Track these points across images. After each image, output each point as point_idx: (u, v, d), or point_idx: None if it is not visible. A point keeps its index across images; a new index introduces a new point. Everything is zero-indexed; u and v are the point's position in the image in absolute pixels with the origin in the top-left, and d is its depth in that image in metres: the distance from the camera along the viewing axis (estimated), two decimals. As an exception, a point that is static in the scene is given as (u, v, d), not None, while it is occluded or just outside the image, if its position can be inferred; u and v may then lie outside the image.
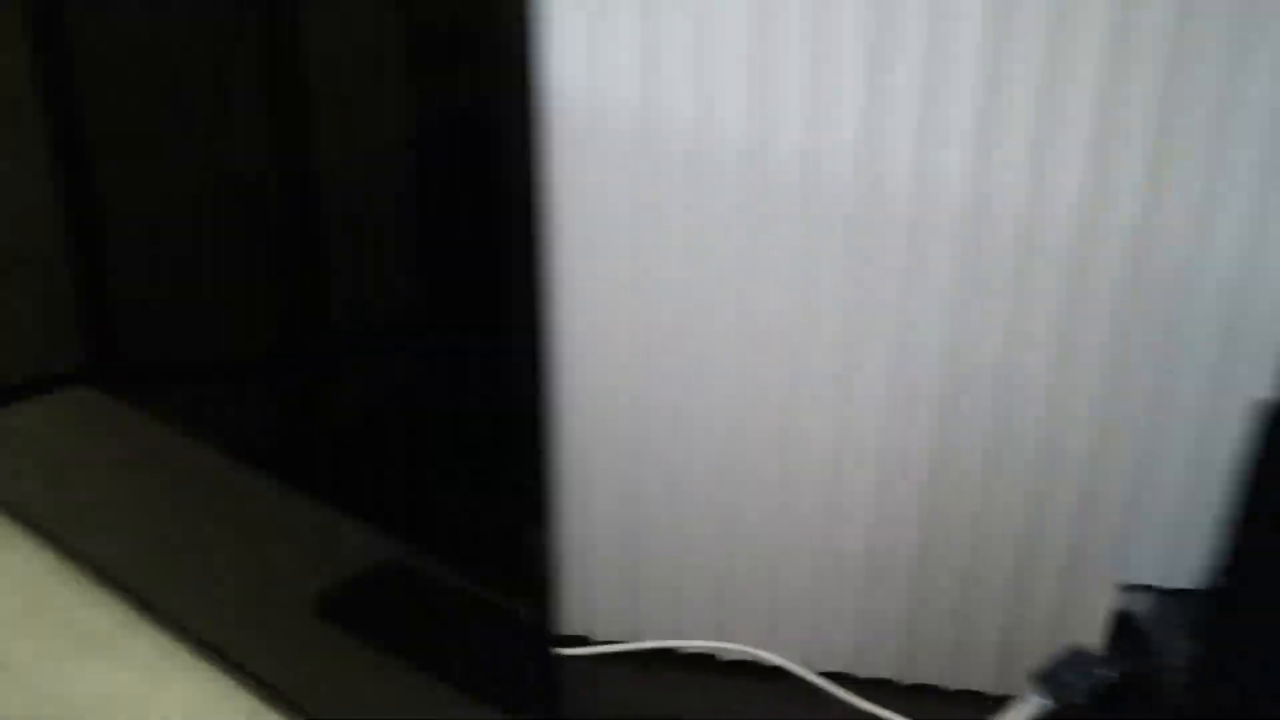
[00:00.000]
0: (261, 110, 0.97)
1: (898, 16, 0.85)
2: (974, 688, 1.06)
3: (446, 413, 0.86)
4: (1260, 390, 0.77)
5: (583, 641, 1.05)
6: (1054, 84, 0.84)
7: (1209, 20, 0.80)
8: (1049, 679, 0.84)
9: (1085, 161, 0.86)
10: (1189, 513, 1.00)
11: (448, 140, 0.77)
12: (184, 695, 0.98)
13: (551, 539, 0.95)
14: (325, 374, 1.01)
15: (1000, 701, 0.88)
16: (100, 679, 1.00)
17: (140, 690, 0.99)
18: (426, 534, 0.91)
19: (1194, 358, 0.95)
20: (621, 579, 1.09)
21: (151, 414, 1.18)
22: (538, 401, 0.83)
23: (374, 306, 0.90)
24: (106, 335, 1.27)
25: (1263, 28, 0.82)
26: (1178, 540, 1.01)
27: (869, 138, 0.89)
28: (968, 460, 0.99)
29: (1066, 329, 0.92)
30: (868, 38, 0.86)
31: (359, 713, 0.96)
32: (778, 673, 1.03)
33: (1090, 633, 1.01)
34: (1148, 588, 1.02)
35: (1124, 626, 1.00)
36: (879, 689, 1.05)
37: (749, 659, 1.09)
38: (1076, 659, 0.88)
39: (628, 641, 1.09)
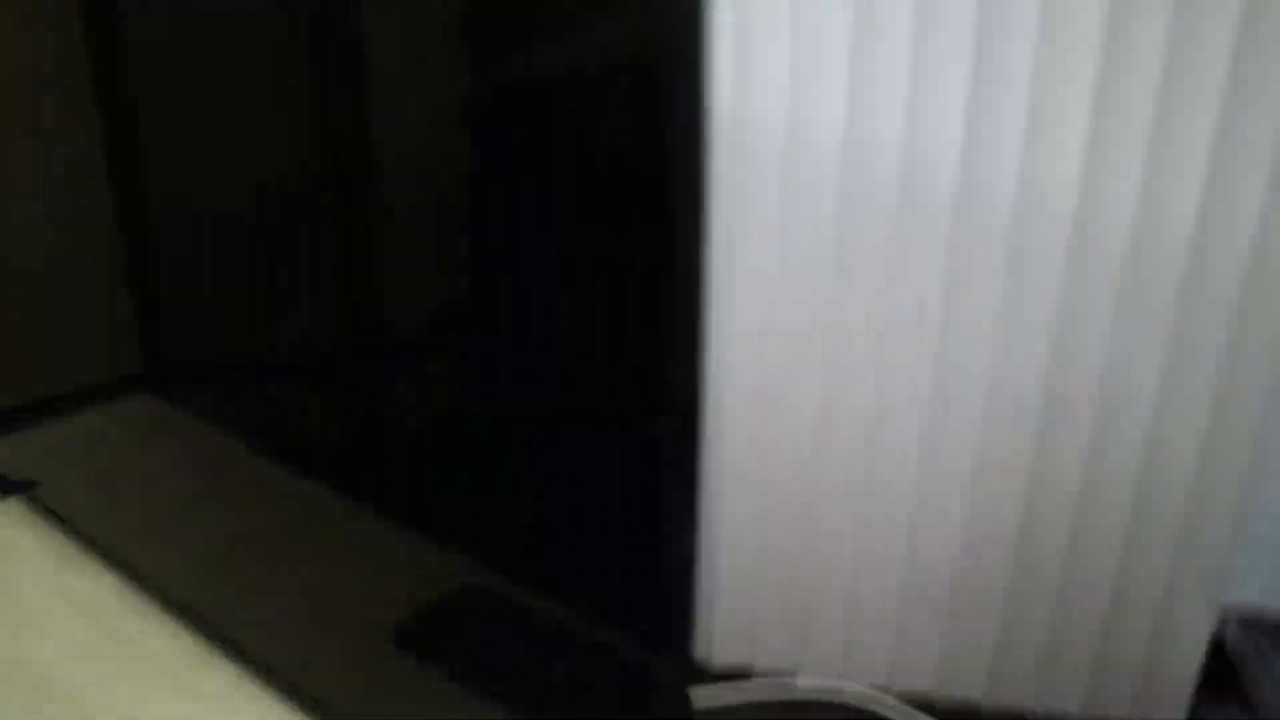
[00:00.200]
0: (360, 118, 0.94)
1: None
2: (1063, 712, 1.03)
3: (578, 440, 0.83)
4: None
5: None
6: (1170, 105, 0.81)
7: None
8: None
9: (1200, 180, 0.82)
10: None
11: (596, 163, 0.74)
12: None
13: (693, 582, 0.91)
14: (433, 391, 0.98)
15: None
16: (169, 710, 0.98)
17: (210, 721, 0.97)
18: (544, 567, 0.88)
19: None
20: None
21: (218, 426, 1.16)
22: (687, 430, 0.79)
23: (500, 322, 0.87)
24: (167, 340, 1.25)
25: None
26: (1282, 565, 0.98)
27: (983, 150, 0.85)
28: (1065, 480, 0.96)
29: (1172, 348, 0.89)
30: (1037, 57, 0.82)
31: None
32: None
33: (1187, 660, 0.98)
34: (1250, 615, 0.98)
35: (1221, 654, 0.97)
36: (964, 713, 1.02)
37: (829, 686, 1.06)
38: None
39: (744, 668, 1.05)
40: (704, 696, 0.94)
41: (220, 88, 1.06)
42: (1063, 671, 1.02)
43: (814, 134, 0.88)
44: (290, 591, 1.03)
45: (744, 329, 0.90)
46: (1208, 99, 0.79)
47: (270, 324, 1.12)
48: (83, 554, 1.14)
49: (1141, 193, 0.84)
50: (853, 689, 1.02)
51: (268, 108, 1.02)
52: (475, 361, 0.87)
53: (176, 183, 1.16)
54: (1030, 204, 0.87)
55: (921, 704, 1.05)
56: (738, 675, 0.99)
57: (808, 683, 1.02)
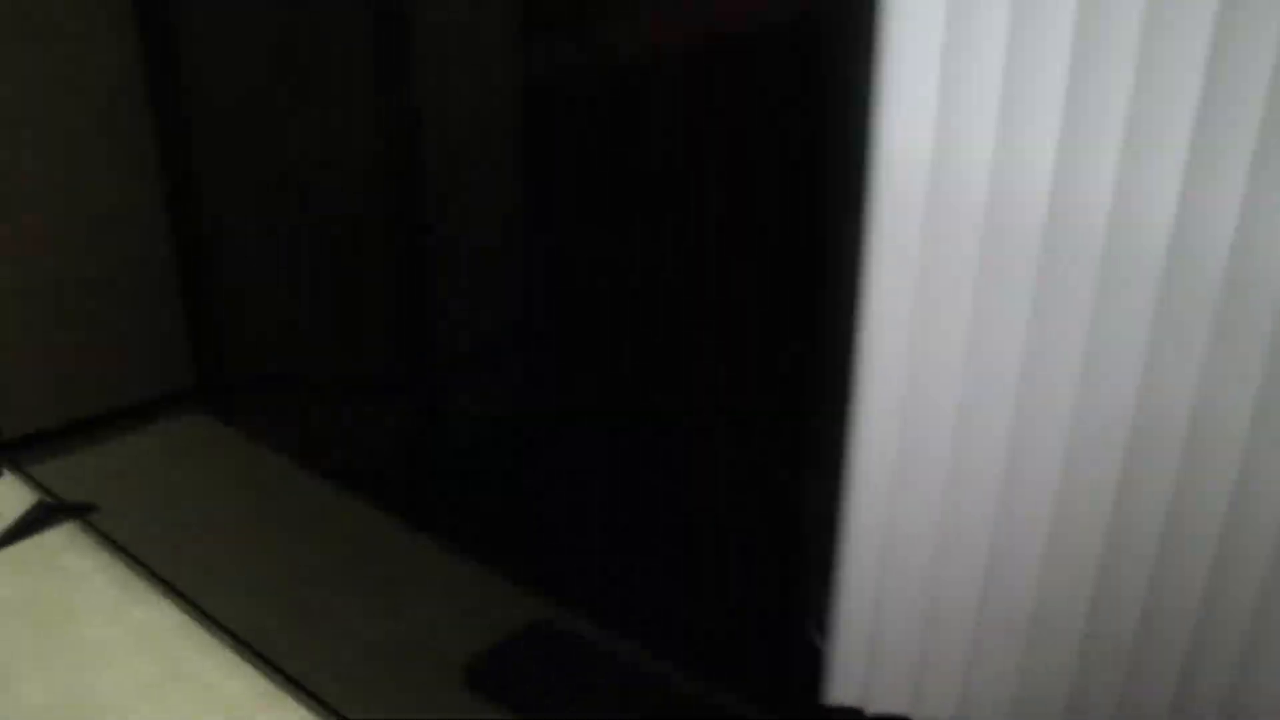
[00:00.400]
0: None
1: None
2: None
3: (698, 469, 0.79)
4: None
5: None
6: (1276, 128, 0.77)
7: None
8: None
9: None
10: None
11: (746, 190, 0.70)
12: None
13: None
14: (515, 409, 0.95)
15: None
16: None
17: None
18: (645, 602, 0.85)
19: None
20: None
21: (276, 448, 1.14)
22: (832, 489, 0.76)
23: (604, 334, 0.83)
24: (222, 357, 1.23)
25: None
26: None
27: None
28: (1150, 514, 0.93)
29: (1267, 378, 0.85)
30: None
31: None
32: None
33: (1273, 699, 0.95)
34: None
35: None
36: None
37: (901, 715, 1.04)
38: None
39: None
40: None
41: (278, 100, 1.03)
42: (1144, 708, 1.00)
43: (961, 159, 0.84)
44: (359, 628, 1.01)
45: (882, 383, 0.87)
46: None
47: (331, 339, 1.09)
48: (143, 583, 1.13)
49: (1240, 219, 0.81)
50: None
51: (328, 116, 0.99)
52: (568, 377, 0.84)
53: (232, 196, 1.14)
54: (1126, 227, 0.83)
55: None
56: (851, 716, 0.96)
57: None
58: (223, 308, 1.21)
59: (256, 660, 1.01)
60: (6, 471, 1.35)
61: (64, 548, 1.20)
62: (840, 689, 0.96)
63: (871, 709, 1.01)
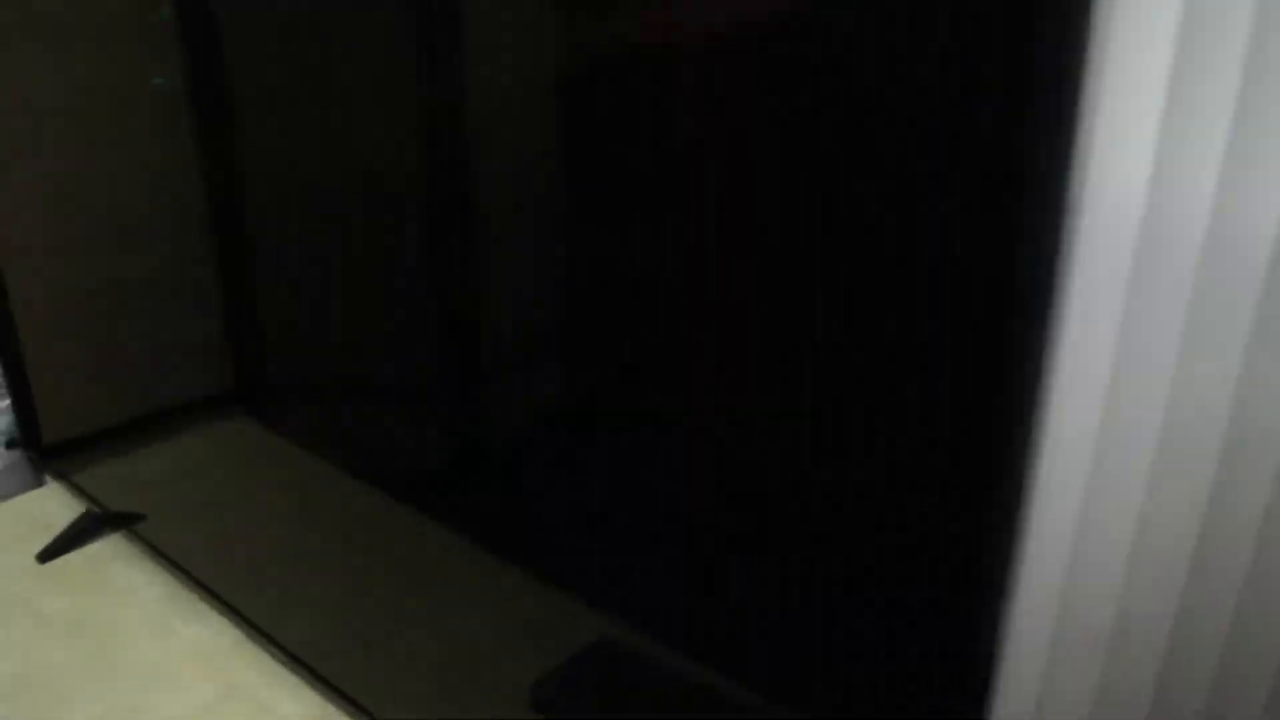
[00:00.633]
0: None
1: None
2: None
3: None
4: None
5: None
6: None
7: None
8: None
9: None
10: None
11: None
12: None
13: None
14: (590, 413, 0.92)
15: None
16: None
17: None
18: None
19: None
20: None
21: (326, 456, 1.12)
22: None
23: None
24: (267, 360, 1.21)
25: None
26: None
27: None
28: (1239, 532, 0.90)
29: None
30: None
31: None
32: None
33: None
34: None
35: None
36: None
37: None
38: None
39: None
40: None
41: (321, 95, 1.00)
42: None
43: (1179, 204, 0.79)
44: (418, 646, 0.99)
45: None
46: None
47: (381, 340, 1.07)
48: (194, 597, 1.11)
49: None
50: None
51: (374, 114, 0.96)
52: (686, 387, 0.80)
53: (275, 195, 1.11)
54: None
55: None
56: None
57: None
58: (268, 309, 1.19)
59: (313, 680, 0.99)
60: (50, 479, 1.33)
61: (111, 559, 1.18)
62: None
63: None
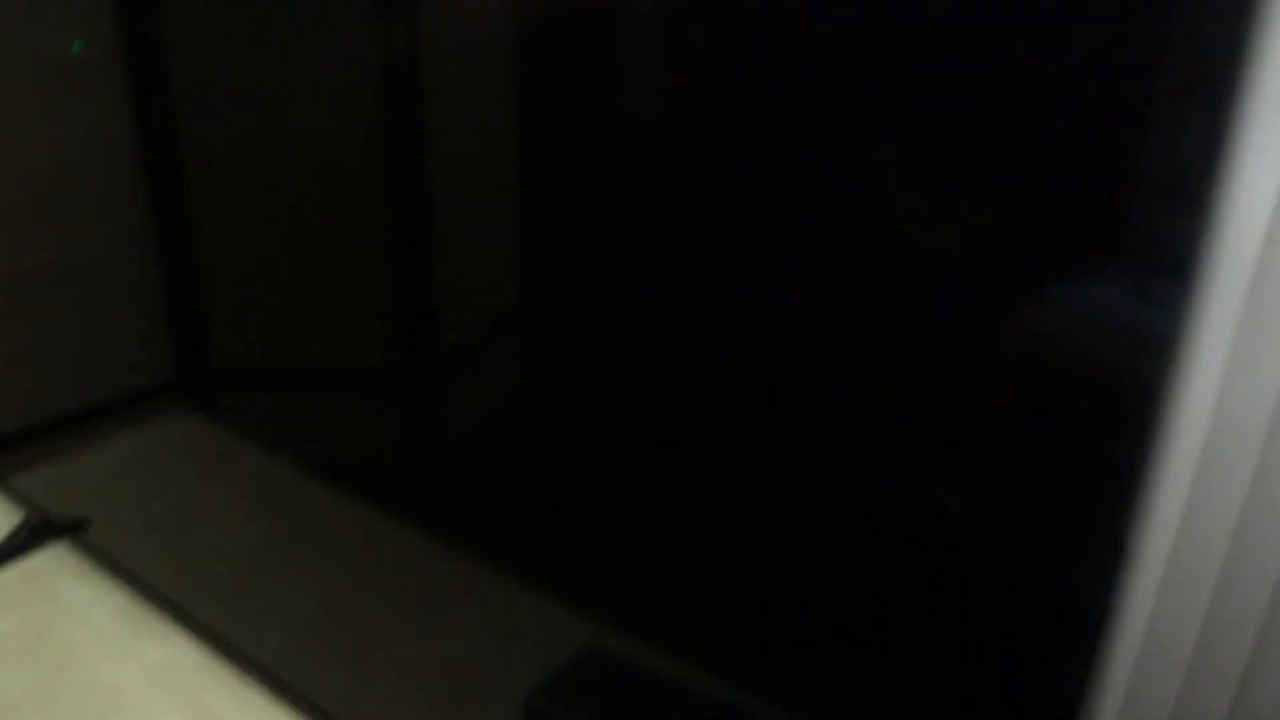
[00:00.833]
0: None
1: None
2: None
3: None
4: None
5: None
6: None
7: None
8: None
9: None
10: None
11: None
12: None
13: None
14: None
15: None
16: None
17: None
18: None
19: None
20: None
21: (285, 454, 1.05)
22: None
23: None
24: (212, 350, 1.13)
25: None
26: None
27: None
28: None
29: None
30: None
31: None
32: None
33: None
34: None
35: None
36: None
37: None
38: None
39: None
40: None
41: (268, 62, 0.92)
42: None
43: None
44: (401, 656, 0.94)
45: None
46: None
47: (338, 323, 1.00)
48: (152, 613, 1.04)
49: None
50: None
51: (320, 85, 0.89)
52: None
53: (218, 177, 1.03)
54: None
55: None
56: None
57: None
58: (215, 293, 1.11)
59: (290, 699, 0.93)
60: (-18, 483, 1.24)
61: (57, 572, 1.10)
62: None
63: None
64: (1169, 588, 0.71)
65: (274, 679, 0.95)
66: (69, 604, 1.05)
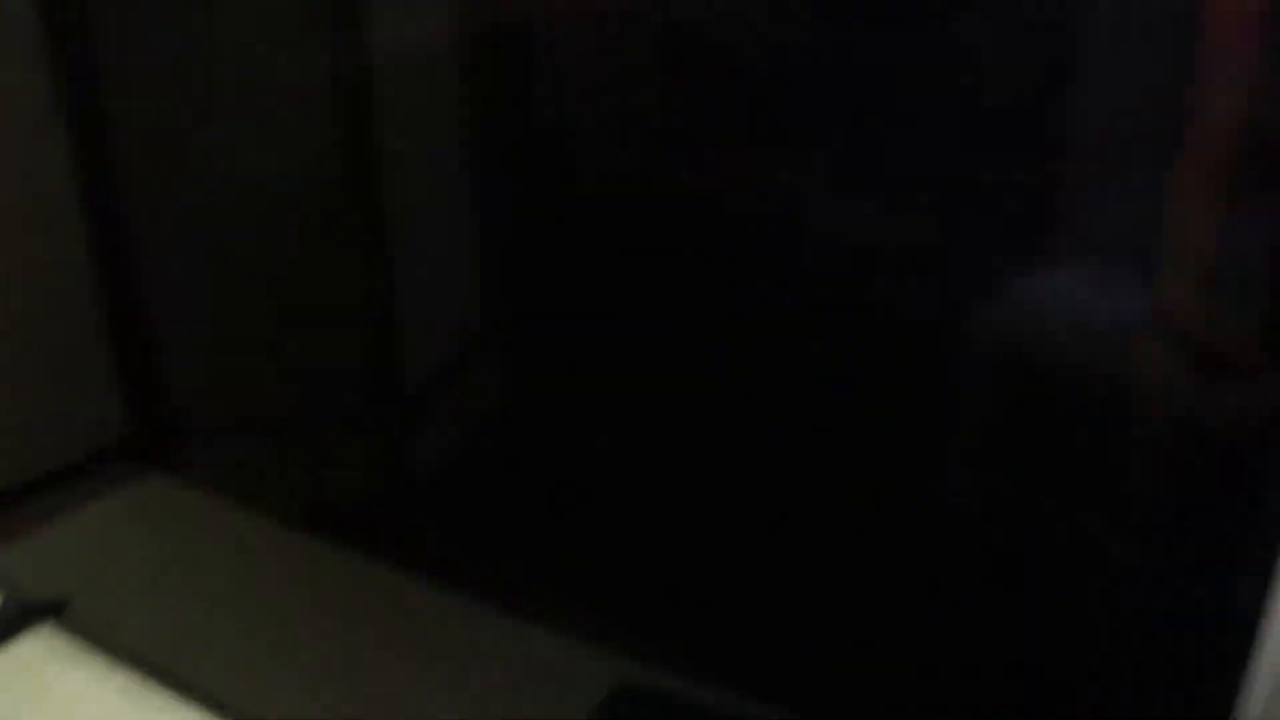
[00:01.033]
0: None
1: None
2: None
3: None
4: None
5: None
6: None
7: None
8: None
9: None
10: None
11: None
12: None
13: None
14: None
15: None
16: None
17: None
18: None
19: None
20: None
21: (271, 514, 1.00)
22: None
23: None
24: (184, 404, 1.07)
25: None
26: None
27: None
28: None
29: None
30: None
31: None
32: None
33: None
34: None
35: None
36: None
37: None
38: None
39: None
40: None
41: (214, 106, 0.86)
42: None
43: None
44: (417, 710, 0.90)
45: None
46: None
47: (306, 364, 0.95)
48: (157, 694, 0.99)
49: None
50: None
51: (284, 110, 0.83)
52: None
53: (167, 211, 0.96)
54: None
55: None
56: None
57: None
58: (169, 345, 1.05)
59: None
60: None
61: (46, 659, 1.05)
62: None
63: None
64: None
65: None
66: (63, 695, 1.00)
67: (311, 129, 0.83)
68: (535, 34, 0.72)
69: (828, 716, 0.71)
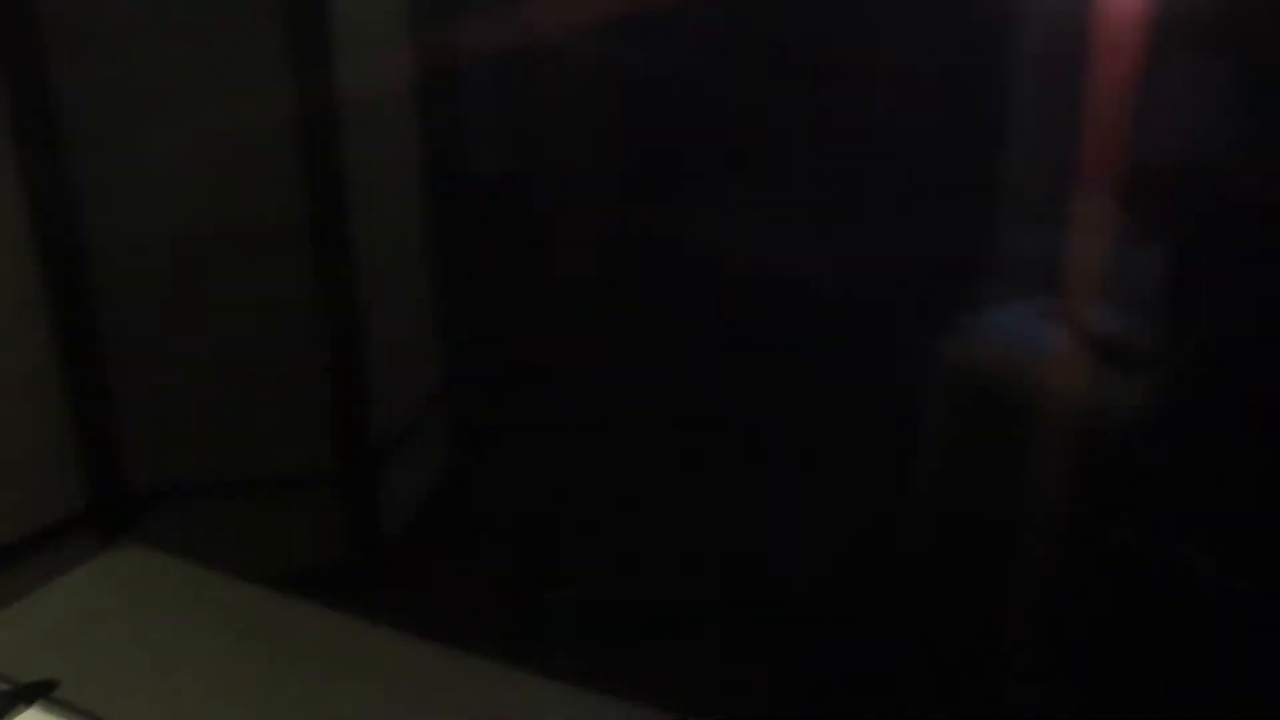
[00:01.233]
0: None
1: None
2: None
3: None
4: None
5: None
6: None
7: None
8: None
9: None
10: None
11: None
12: None
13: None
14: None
15: None
16: None
17: None
18: None
19: None
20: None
21: (259, 582, 1.00)
22: None
23: None
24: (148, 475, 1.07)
25: None
26: None
27: None
28: None
29: None
30: None
31: None
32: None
33: None
34: None
35: None
36: None
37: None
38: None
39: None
40: None
41: (173, 165, 0.86)
42: None
43: None
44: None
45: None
46: None
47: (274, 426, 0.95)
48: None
49: None
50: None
51: (248, 152, 0.83)
52: None
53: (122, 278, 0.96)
54: None
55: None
56: None
57: None
58: (129, 414, 1.05)
59: None
60: None
61: (48, 735, 1.05)
62: None
63: None
64: None
65: None
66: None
67: (267, 207, 0.83)
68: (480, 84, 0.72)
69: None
